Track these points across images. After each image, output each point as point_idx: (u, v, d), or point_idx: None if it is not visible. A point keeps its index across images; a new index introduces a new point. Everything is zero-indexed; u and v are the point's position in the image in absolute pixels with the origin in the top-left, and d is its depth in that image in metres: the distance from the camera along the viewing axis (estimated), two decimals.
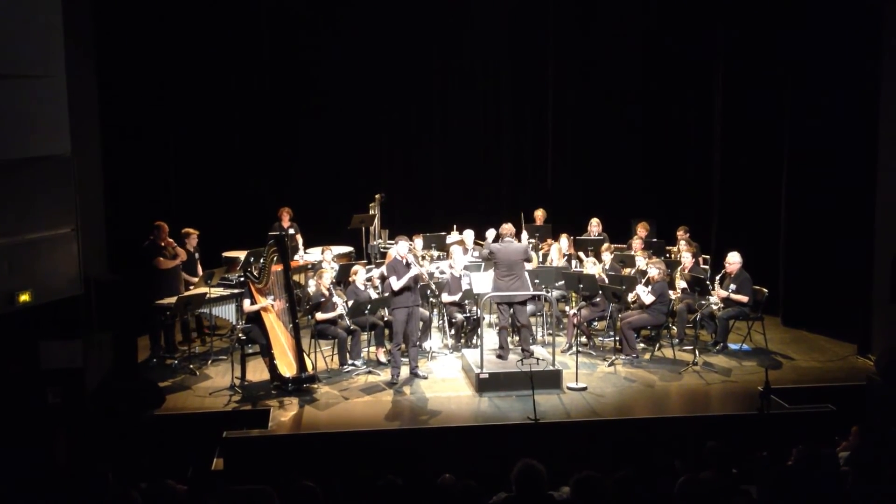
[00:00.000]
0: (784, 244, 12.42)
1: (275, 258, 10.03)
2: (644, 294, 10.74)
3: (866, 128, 10.98)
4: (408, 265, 10.01)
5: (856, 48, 11.21)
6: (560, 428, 8.88)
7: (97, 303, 9.43)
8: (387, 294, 10.28)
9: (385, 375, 10.29)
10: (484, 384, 9.73)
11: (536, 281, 11.00)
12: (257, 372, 10.31)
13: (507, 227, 10.50)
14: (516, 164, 15.31)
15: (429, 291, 11.02)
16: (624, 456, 7.49)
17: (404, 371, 10.23)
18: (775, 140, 12.49)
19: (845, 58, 11.34)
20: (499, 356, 10.31)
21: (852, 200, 11.37)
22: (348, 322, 10.50)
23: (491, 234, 12.26)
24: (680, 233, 12.50)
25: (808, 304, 12.06)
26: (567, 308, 11.72)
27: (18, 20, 8.25)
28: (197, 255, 11.71)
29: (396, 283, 9.94)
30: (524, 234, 12.65)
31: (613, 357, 10.76)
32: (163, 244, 11.09)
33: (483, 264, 11.49)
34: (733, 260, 11.07)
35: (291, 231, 12.64)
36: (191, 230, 11.58)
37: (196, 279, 11.47)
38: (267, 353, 9.95)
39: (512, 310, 10.32)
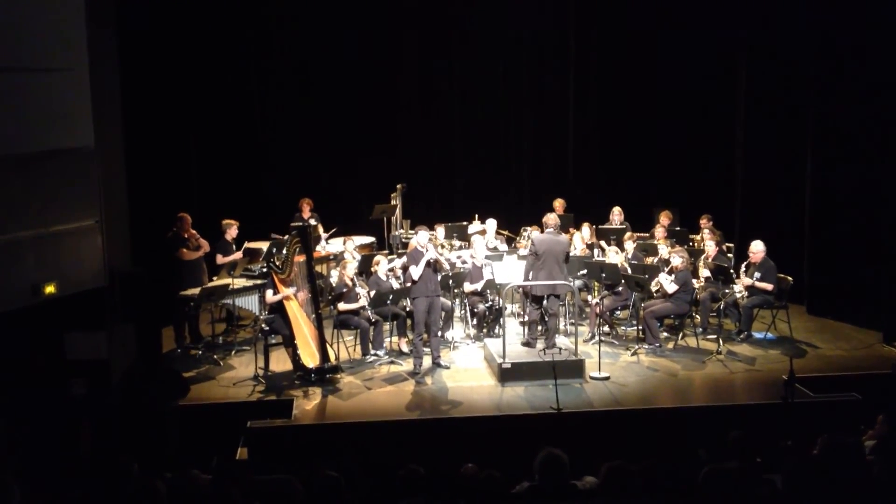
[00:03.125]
0: (808, 232, 12.32)
1: (297, 248, 10.06)
2: (667, 283, 10.68)
3: (891, 113, 10.86)
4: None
5: (880, 29, 11.08)
6: (583, 417, 8.86)
7: (121, 294, 9.50)
8: (408, 284, 10.28)
9: (407, 365, 10.30)
10: (506, 374, 9.72)
11: None
12: (280, 362, 10.36)
13: (552, 219, 10.26)
14: (538, 153, 15.24)
15: (450, 281, 10.99)
16: (647, 445, 7.46)
17: (426, 361, 10.24)
18: (799, 127, 12.39)
19: (869, 39, 11.22)
20: (525, 343, 10.30)
21: (877, 187, 11.26)
22: (370, 312, 10.51)
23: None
24: (703, 221, 12.42)
25: (833, 293, 11.98)
26: (589, 297, 11.67)
27: (42, 14, 8.32)
28: (234, 246, 11.72)
29: (415, 272, 9.96)
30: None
31: (636, 346, 10.72)
32: (186, 235, 11.15)
33: (503, 254, 11.48)
34: (757, 248, 10.98)
35: (313, 222, 12.66)
36: (231, 221, 11.60)
37: (232, 256, 11.45)
38: (290, 343, 10.00)
39: (546, 300, 10.23)
